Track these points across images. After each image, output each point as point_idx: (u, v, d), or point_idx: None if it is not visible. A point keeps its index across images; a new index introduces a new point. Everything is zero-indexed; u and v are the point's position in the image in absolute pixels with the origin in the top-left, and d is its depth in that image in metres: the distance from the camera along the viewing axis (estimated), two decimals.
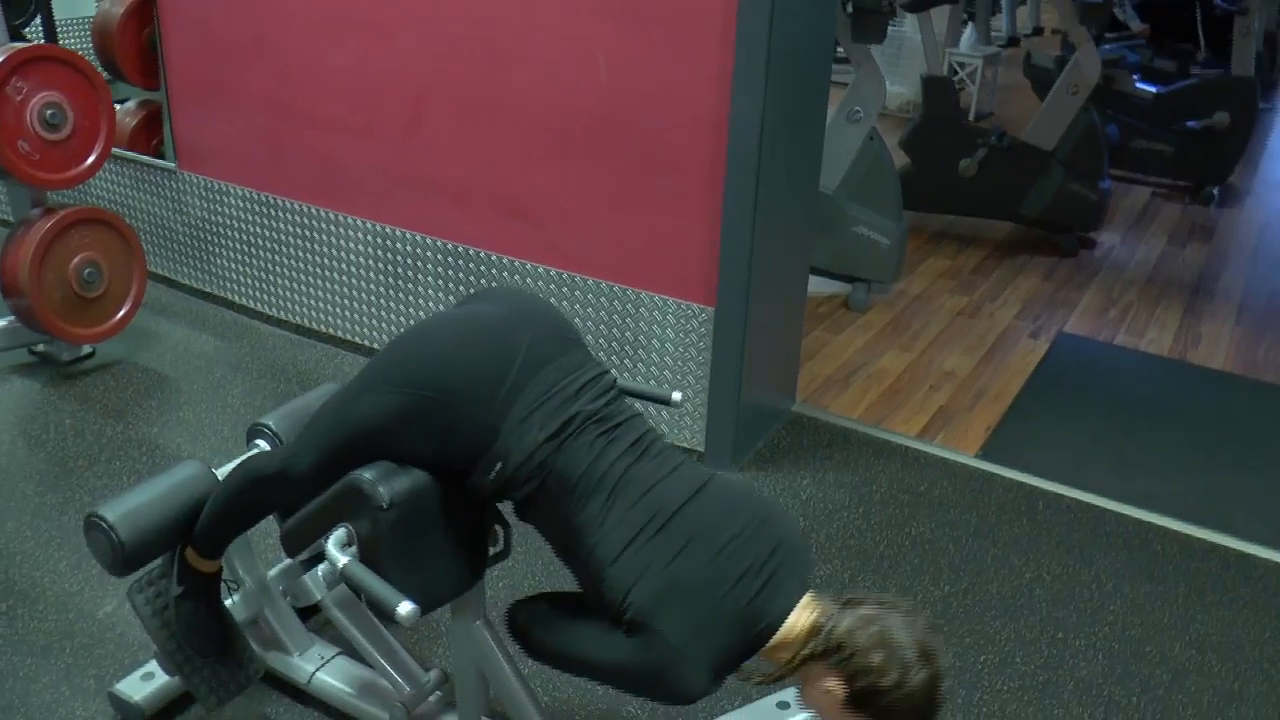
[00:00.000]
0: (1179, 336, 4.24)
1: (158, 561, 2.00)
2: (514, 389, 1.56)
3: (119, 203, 4.16)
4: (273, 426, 2.12)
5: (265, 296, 3.88)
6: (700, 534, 1.51)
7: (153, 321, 3.84)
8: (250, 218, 3.77)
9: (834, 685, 1.45)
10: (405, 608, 1.44)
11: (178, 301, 4.05)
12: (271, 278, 3.82)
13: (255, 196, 3.72)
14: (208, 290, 4.05)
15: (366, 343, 3.68)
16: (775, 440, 3.29)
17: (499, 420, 1.55)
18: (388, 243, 3.47)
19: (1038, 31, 9.94)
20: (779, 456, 3.21)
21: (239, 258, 3.89)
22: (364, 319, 3.65)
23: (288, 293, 3.81)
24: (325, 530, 1.61)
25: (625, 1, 2.82)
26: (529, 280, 3.24)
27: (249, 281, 3.90)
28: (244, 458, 2.03)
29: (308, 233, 3.65)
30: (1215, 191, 6.01)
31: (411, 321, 3.53)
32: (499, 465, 1.56)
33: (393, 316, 3.58)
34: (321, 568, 2.12)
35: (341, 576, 1.52)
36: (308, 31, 3.41)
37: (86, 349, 3.57)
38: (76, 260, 3.37)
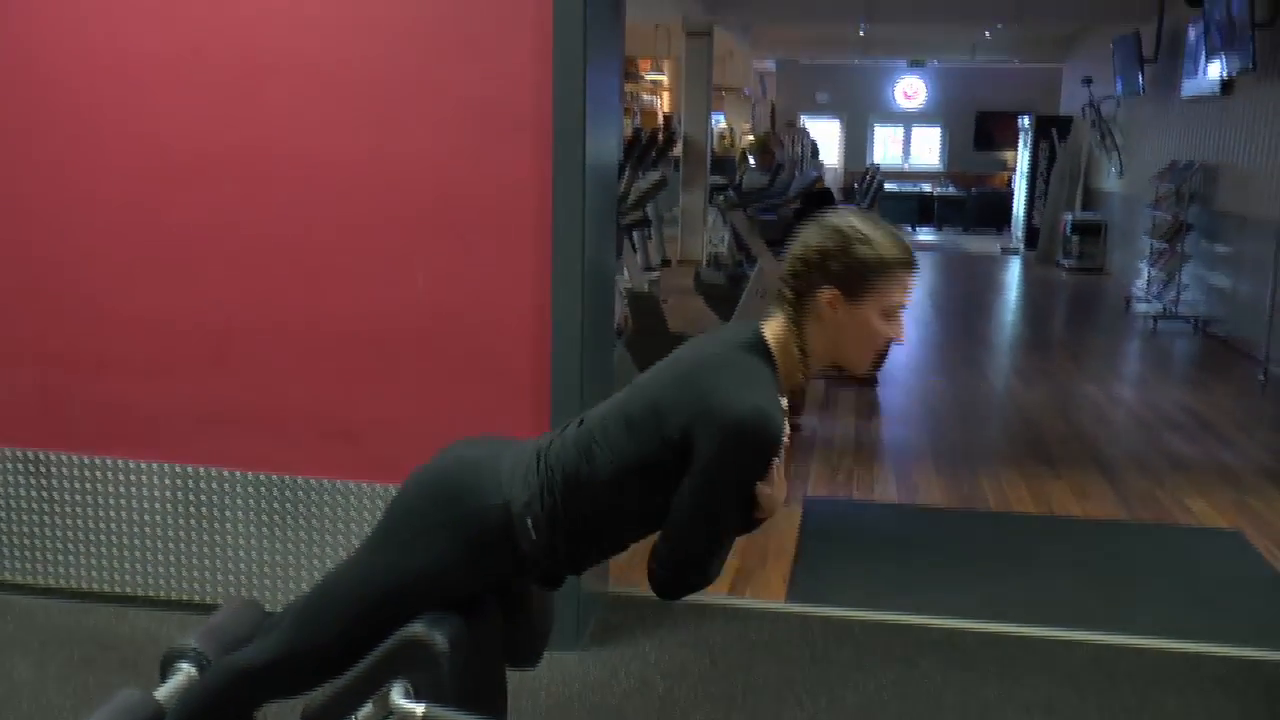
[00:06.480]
0: (900, 487, 4.90)
1: None
2: (498, 472, 1.78)
3: None
4: (198, 646, 2.07)
5: (28, 566, 3.56)
6: (665, 370, 1.83)
7: None
8: (9, 479, 3.50)
9: (827, 292, 1.70)
10: None
11: None
12: (37, 543, 3.53)
13: (17, 455, 3.48)
14: None
15: (164, 594, 3.46)
16: (604, 620, 3.44)
17: (504, 490, 1.75)
18: (190, 483, 3.37)
19: (665, 263, 11.65)
20: (613, 631, 3.37)
21: None
22: (160, 569, 3.45)
23: (60, 556, 3.52)
24: (369, 694, 1.63)
25: (441, 213, 3.10)
26: (350, 499, 3.28)
27: (5, 552, 3.57)
28: (180, 677, 1.96)
29: (87, 485, 3.45)
30: (876, 376, 7.01)
31: (218, 564, 3.40)
32: (527, 517, 1.72)
33: (195, 561, 3.42)
34: None
35: None
36: (102, 274, 3.34)
37: None
38: None
